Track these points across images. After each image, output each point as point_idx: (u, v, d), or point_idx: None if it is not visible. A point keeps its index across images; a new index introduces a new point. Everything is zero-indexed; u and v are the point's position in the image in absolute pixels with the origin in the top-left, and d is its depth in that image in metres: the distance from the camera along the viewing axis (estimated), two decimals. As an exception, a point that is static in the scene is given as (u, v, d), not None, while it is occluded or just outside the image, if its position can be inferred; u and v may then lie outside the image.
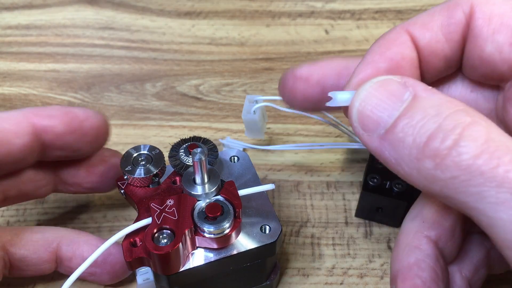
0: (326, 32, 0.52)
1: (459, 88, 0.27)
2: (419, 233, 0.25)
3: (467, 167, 0.19)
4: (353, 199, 0.38)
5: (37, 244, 0.30)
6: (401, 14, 0.53)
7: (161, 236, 0.26)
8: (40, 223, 0.37)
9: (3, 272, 0.29)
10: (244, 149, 0.40)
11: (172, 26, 0.52)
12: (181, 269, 0.27)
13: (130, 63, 0.49)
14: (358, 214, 0.37)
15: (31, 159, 0.29)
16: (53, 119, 0.28)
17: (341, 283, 0.34)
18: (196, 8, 0.54)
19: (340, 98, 0.24)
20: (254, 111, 0.37)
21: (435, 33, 0.24)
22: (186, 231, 0.26)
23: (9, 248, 0.29)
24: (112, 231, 0.36)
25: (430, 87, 0.22)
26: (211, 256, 0.28)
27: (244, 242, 0.28)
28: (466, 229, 0.26)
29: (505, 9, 0.23)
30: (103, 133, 0.31)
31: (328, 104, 0.24)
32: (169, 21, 0.53)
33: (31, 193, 0.31)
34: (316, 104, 0.28)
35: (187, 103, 0.46)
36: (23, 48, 0.51)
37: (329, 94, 0.24)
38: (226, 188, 0.28)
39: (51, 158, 0.30)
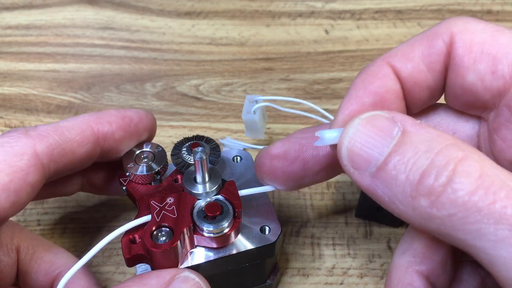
0: (326, 32, 0.52)
1: (441, 117, 0.27)
2: (410, 268, 0.25)
3: (463, 204, 0.19)
4: (353, 199, 0.38)
5: (44, 265, 0.30)
6: (401, 14, 0.53)
7: (159, 234, 0.26)
8: (40, 223, 0.37)
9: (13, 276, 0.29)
10: (244, 149, 0.40)
11: (172, 26, 0.52)
12: (180, 267, 0.27)
13: (130, 63, 0.49)
14: (358, 214, 0.37)
15: (88, 165, 0.29)
16: (113, 126, 0.29)
17: (341, 283, 0.34)
18: (196, 8, 0.54)
19: (328, 137, 0.23)
20: (254, 111, 0.37)
21: (416, 63, 0.24)
22: (185, 230, 0.26)
23: (21, 258, 0.29)
24: (112, 231, 0.36)
25: (418, 121, 0.21)
26: (210, 255, 0.28)
27: (243, 242, 0.28)
28: (458, 258, 0.26)
29: (484, 37, 0.22)
30: (153, 133, 0.31)
31: (316, 143, 0.23)
32: (169, 21, 0.53)
33: (58, 192, 0.32)
34: (300, 180, 0.27)
35: (187, 103, 0.46)
36: (23, 48, 0.51)
37: (316, 134, 0.23)
38: (227, 187, 0.28)
39: (104, 161, 0.30)
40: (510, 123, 0.23)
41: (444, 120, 0.27)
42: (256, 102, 0.37)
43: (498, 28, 0.23)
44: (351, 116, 0.23)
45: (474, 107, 0.24)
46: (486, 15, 0.53)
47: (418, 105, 0.25)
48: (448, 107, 0.27)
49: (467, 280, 0.26)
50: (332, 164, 0.26)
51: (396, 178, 0.20)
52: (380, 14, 0.53)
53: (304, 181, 0.27)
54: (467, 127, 0.26)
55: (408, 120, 0.21)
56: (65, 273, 0.26)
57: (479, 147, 0.26)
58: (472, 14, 0.53)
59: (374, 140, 0.21)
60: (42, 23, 0.53)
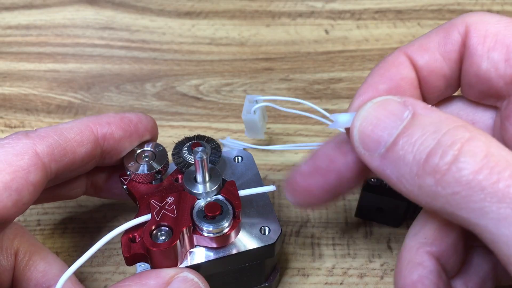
0: (326, 32, 0.52)
1: (460, 108, 0.27)
2: (421, 249, 0.25)
3: (468, 182, 0.19)
4: (353, 199, 0.38)
5: (36, 275, 0.29)
6: (401, 14, 0.53)
7: (159, 233, 0.26)
8: (40, 223, 0.37)
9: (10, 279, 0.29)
10: (244, 149, 0.40)
11: (172, 26, 0.52)
12: (179, 267, 0.27)
13: (130, 63, 0.49)
14: (358, 214, 0.37)
15: (90, 167, 0.29)
16: (112, 126, 0.29)
17: (341, 283, 0.34)
18: (196, 8, 0.54)
19: (341, 120, 0.24)
20: (254, 111, 0.36)
21: (432, 53, 0.25)
22: (184, 229, 0.26)
23: (17, 263, 0.29)
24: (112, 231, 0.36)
25: (429, 106, 0.22)
26: (210, 255, 0.28)
27: (243, 243, 0.28)
28: (470, 243, 0.26)
29: (499, 28, 0.23)
30: (154, 134, 0.32)
31: (330, 126, 0.24)
32: (169, 21, 0.53)
33: (63, 195, 0.32)
34: (336, 192, 0.26)
35: (187, 103, 0.46)
36: (23, 48, 0.51)
37: (330, 117, 0.24)
38: (227, 187, 0.28)
39: (106, 164, 0.31)
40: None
41: (462, 111, 0.27)
42: (256, 102, 0.37)
43: (510, 20, 0.23)
44: (366, 101, 0.23)
45: (488, 95, 0.25)
46: (486, 15, 0.53)
47: (435, 94, 0.26)
48: (465, 99, 0.27)
49: (478, 264, 0.26)
50: (363, 168, 0.25)
51: (404, 158, 0.21)
52: (380, 14, 0.53)
53: (340, 191, 0.26)
54: (485, 117, 0.27)
55: (419, 104, 0.22)
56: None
57: (494, 136, 0.26)
58: (472, 14, 0.53)
59: (384, 122, 0.22)
60: (42, 23, 0.53)
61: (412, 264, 0.25)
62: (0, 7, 0.54)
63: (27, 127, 0.44)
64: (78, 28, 0.52)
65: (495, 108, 0.26)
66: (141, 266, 0.31)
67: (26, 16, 0.53)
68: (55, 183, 0.29)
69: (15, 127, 0.44)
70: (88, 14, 0.54)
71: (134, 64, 0.49)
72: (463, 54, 0.24)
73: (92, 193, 0.34)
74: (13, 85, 0.47)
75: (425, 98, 0.26)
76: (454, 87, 0.26)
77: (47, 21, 0.53)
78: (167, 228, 0.26)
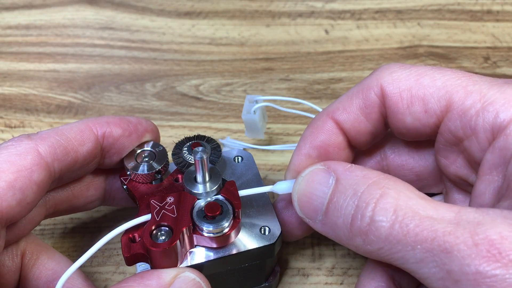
0: (326, 32, 0.52)
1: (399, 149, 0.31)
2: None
3: (386, 238, 0.22)
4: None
5: (45, 273, 0.30)
6: (401, 14, 0.53)
7: (159, 233, 0.26)
8: (40, 223, 0.37)
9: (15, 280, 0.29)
10: (244, 149, 0.40)
11: (172, 26, 0.52)
12: (179, 266, 0.27)
13: (130, 63, 0.49)
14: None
15: (93, 166, 0.30)
16: (111, 125, 0.30)
17: (341, 283, 0.34)
18: (196, 8, 0.54)
19: (282, 188, 0.28)
20: (254, 111, 0.36)
21: (356, 116, 0.27)
22: (184, 229, 0.26)
23: (25, 263, 0.29)
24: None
25: (349, 165, 0.25)
26: (210, 255, 0.28)
27: (243, 242, 0.28)
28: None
29: (410, 83, 0.26)
30: (155, 137, 0.32)
31: (271, 190, 0.28)
32: (169, 21, 0.53)
33: (80, 207, 0.32)
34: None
35: (187, 103, 0.46)
36: (23, 48, 0.51)
37: (274, 186, 0.28)
38: (227, 188, 0.28)
39: (107, 165, 0.31)
40: (446, 146, 0.26)
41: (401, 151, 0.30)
42: (256, 102, 0.37)
43: (420, 71, 0.26)
44: (300, 168, 0.27)
45: (421, 138, 0.28)
46: (486, 15, 0.53)
47: (365, 146, 0.29)
48: None
49: None
50: None
51: (336, 223, 0.24)
52: (380, 14, 0.53)
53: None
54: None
55: (340, 167, 0.25)
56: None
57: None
58: (472, 14, 0.53)
59: (315, 193, 0.25)
60: (42, 23, 0.53)
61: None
62: (0, 7, 0.54)
63: (27, 127, 0.44)
64: (78, 28, 0.52)
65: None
66: (141, 266, 0.31)
67: (26, 16, 0.53)
68: (60, 184, 0.29)
69: (15, 127, 0.44)
70: (88, 14, 0.54)
71: (134, 64, 0.49)
72: (384, 113, 0.27)
73: (110, 204, 0.34)
74: (13, 85, 0.47)
75: (357, 148, 0.29)
76: (381, 135, 0.29)
77: (47, 21, 0.53)
78: (167, 228, 0.26)
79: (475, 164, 0.25)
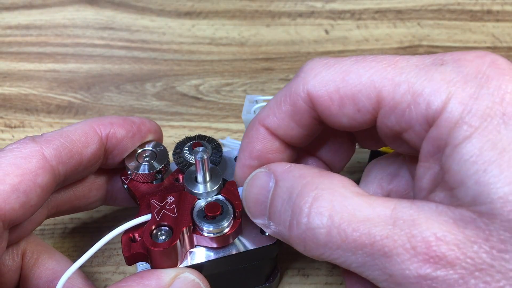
0: (326, 32, 0.52)
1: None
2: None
3: (325, 244, 0.22)
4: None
5: (46, 272, 0.30)
6: (401, 14, 0.53)
7: (159, 233, 0.26)
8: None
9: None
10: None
11: (172, 26, 0.52)
12: (179, 266, 0.27)
13: (130, 63, 0.49)
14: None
15: (96, 167, 0.30)
16: (115, 126, 0.30)
17: (341, 283, 0.34)
18: (196, 8, 0.54)
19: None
20: (254, 111, 0.37)
21: (287, 122, 0.26)
22: (184, 229, 0.26)
23: (25, 262, 0.29)
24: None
25: (288, 166, 0.25)
26: (210, 255, 0.28)
27: (243, 243, 0.28)
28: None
29: (337, 84, 0.24)
30: (158, 138, 0.32)
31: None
32: (169, 21, 0.53)
33: (82, 208, 0.32)
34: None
35: (187, 103, 0.46)
36: (23, 48, 0.51)
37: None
38: (227, 188, 0.28)
39: (109, 166, 0.31)
40: (388, 137, 0.25)
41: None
42: (256, 102, 0.37)
43: (344, 67, 0.24)
44: (245, 176, 0.27)
45: (363, 129, 0.26)
46: (486, 15, 0.53)
47: (304, 144, 0.28)
48: None
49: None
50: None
51: (279, 230, 0.24)
52: (380, 14, 0.53)
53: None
54: None
55: (278, 169, 0.25)
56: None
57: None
58: (472, 14, 0.53)
59: (259, 197, 0.25)
60: (42, 23, 0.53)
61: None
62: (0, 7, 0.54)
63: (27, 127, 0.44)
64: (78, 28, 0.52)
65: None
66: (142, 266, 0.31)
67: (26, 16, 0.53)
68: (63, 185, 0.29)
69: (15, 127, 0.44)
70: (88, 14, 0.54)
71: (134, 64, 0.49)
72: (316, 116, 0.26)
73: (110, 202, 0.34)
74: (13, 85, 0.47)
75: (297, 147, 0.28)
76: (319, 130, 0.28)
77: (47, 21, 0.53)
78: (167, 228, 0.26)
79: (416, 149, 0.24)
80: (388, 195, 0.28)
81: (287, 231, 0.23)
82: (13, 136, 0.43)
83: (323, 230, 0.22)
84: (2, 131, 0.44)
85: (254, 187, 0.26)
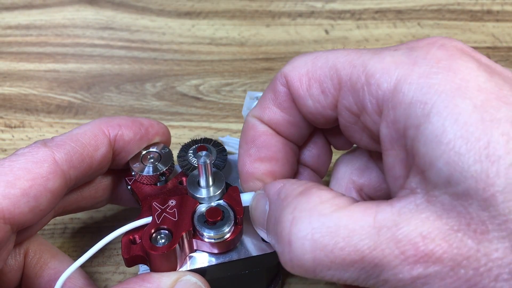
0: (326, 32, 0.52)
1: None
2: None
3: (315, 268, 0.22)
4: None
5: (48, 272, 0.30)
6: (401, 14, 0.53)
7: (159, 236, 0.26)
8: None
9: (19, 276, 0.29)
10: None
11: (172, 26, 0.52)
12: (179, 270, 0.27)
13: (130, 63, 0.49)
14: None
15: (105, 169, 0.30)
16: (123, 128, 0.30)
17: (341, 284, 0.34)
18: (196, 8, 0.54)
19: (243, 199, 0.28)
20: (254, 110, 0.36)
21: (270, 109, 0.28)
22: (184, 234, 0.26)
23: (27, 262, 0.30)
24: (112, 232, 0.36)
25: (279, 186, 0.25)
26: (210, 260, 0.27)
27: (244, 249, 0.28)
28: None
29: (307, 67, 0.26)
30: (165, 141, 0.32)
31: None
32: (169, 21, 0.53)
33: (88, 207, 0.32)
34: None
35: (187, 103, 0.46)
36: (23, 48, 0.51)
37: (241, 195, 0.28)
38: (230, 193, 0.28)
39: (115, 167, 0.31)
40: (348, 124, 0.26)
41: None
42: (257, 98, 0.37)
43: (316, 55, 0.26)
44: (251, 178, 0.28)
45: (329, 123, 0.27)
46: (486, 15, 0.53)
47: (298, 140, 0.29)
48: None
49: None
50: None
51: (277, 248, 0.24)
52: (380, 14, 0.53)
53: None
54: None
55: (271, 191, 0.25)
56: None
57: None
58: (472, 14, 0.53)
59: (259, 218, 0.26)
60: (42, 23, 0.53)
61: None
62: (0, 7, 0.54)
63: (27, 127, 0.44)
64: (78, 28, 0.52)
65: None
66: (143, 267, 0.30)
67: (26, 16, 0.53)
68: (73, 188, 0.29)
69: (15, 127, 0.44)
70: (88, 14, 0.54)
71: (134, 64, 0.49)
72: (293, 100, 0.27)
73: (116, 202, 0.34)
74: (13, 85, 0.47)
75: (295, 143, 0.29)
76: (310, 127, 0.28)
77: (47, 21, 0.53)
78: (167, 232, 0.26)
79: (377, 138, 0.24)
80: (360, 189, 0.29)
81: (281, 256, 0.23)
82: (13, 136, 0.43)
83: (308, 256, 0.21)
84: (2, 131, 0.44)
85: (256, 210, 0.26)
